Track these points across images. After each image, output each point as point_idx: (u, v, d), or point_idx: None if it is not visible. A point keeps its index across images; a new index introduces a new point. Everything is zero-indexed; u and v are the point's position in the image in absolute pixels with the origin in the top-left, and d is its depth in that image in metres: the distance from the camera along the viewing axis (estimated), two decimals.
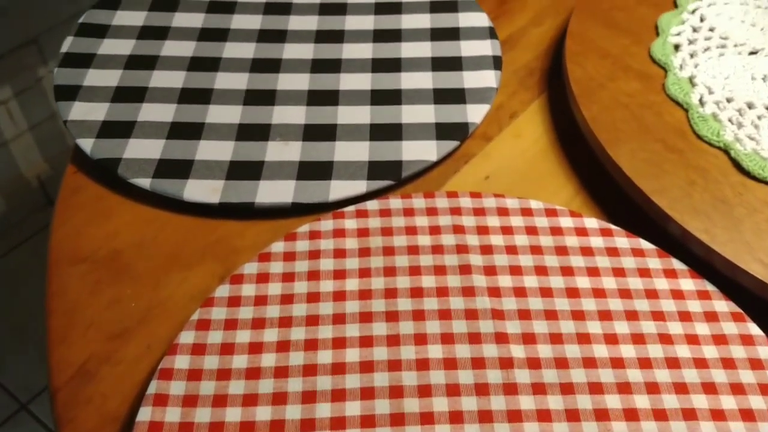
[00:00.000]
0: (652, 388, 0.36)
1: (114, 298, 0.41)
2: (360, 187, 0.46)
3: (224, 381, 0.36)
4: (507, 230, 0.43)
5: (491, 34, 0.58)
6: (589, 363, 0.37)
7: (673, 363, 0.37)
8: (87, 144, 0.48)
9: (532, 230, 0.43)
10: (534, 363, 0.37)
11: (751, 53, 0.52)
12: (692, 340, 0.38)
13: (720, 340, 0.38)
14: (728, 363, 0.37)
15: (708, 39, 0.53)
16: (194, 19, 0.58)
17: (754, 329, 0.38)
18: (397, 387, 0.36)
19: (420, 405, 0.35)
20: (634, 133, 0.47)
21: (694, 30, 0.54)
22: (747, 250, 0.40)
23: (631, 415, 0.35)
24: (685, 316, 0.39)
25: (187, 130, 0.49)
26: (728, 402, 0.36)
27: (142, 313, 0.40)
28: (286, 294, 0.39)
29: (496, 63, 0.55)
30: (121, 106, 0.51)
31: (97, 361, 0.38)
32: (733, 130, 0.46)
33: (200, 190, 0.45)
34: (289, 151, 0.48)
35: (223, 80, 0.53)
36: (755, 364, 0.37)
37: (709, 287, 0.40)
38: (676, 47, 0.52)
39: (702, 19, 0.55)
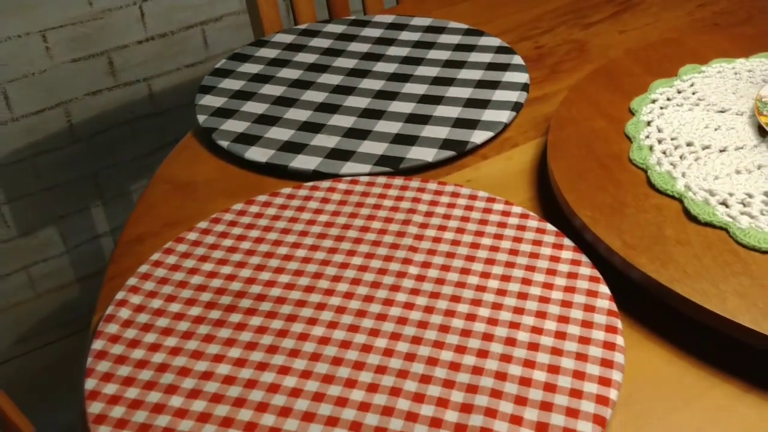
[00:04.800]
0: (497, 306, 0.48)
1: (176, 204, 0.61)
2: (365, 168, 0.62)
3: (173, 271, 0.53)
4: (451, 206, 0.57)
5: (524, 88, 0.72)
6: (461, 285, 0.49)
7: (522, 296, 0.48)
8: (201, 118, 0.70)
9: (469, 208, 0.56)
10: (420, 278, 0.50)
11: (719, 112, 0.61)
12: (547, 286, 0.49)
13: (570, 289, 0.49)
14: (566, 303, 0.48)
15: (686, 99, 0.63)
16: (309, 58, 0.80)
17: (602, 288, 0.49)
18: (310, 286, 0.51)
19: (316, 298, 0.50)
20: (577, 154, 0.58)
21: (679, 92, 0.64)
22: (616, 233, 0.50)
23: (471, 317, 0.47)
24: (551, 272, 0.50)
25: (268, 120, 0.69)
26: (550, 325, 0.46)
27: (185, 215, 0.59)
28: (251, 224, 0.56)
29: (516, 107, 0.69)
30: (234, 101, 0.72)
31: (148, 235, 0.58)
32: (659, 157, 0.56)
33: (257, 154, 0.64)
34: (329, 141, 0.66)
35: (309, 95, 0.73)
36: (589, 308, 0.47)
37: (584, 259, 0.51)
38: (654, 101, 0.63)
39: (691, 85, 0.65)
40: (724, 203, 0.51)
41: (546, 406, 0.41)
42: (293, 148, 0.65)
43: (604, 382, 0.42)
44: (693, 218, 0.51)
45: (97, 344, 0.46)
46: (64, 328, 1.48)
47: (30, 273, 1.41)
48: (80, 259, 1.48)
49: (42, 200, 1.38)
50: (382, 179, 0.60)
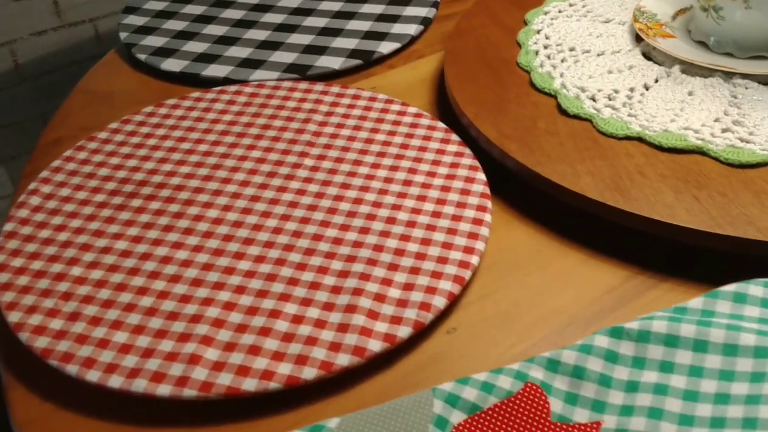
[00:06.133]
0: (383, 191, 0.52)
1: (93, 111, 0.64)
2: (274, 76, 0.66)
3: (83, 165, 0.57)
4: (351, 107, 0.61)
5: (434, 4, 0.76)
6: (352, 174, 0.53)
7: (407, 183, 0.52)
8: (124, 35, 0.72)
9: (368, 108, 0.60)
10: (315, 168, 0.54)
11: (604, 22, 0.65)
12: (431, 174, 0.53)
13: (450, 177, 0.53)
14: (446, 189, 0.52)
15: (576, 11, 0.67)
16: None
17: (479, 175, 0.53)
18: (208, 176, 0.55)
19: (214, 185, 0.54)
20: (471, 59, 0.62)
21: (571, 5, 0.68)
22: (496, 127, 0.55)
23: (358, 201, 0.51)
24: (436, 162, 0.54)
25: (186, 35, 0.72)
26: (428, 206, 0.50)
27: (100, 121, 0.63)
28: (158, 124, 0.59)
29: (425, 21, 0.73)
30: (156, 20, 0.75)
31: (65, 138, 0.61)
32: (543, 60, 0.60)
33: (172, 65, 0.67)
34: (243, 52, 0.69)
35: (228, 13, 0.76)
36: (465, 192, 0.51)
37: (467, 151, 0.55)
38: (546, 12, 0.67)
39: None
40: (593, 98, 0.55)
41: (414, 271, 0.46)
42: (207, 59, 0.68)
43: (468, 250, 0.47)
44: (564, 112, 0.55)
45: (8, 226, 0.50)
46: None
47: None
48: None
49: None
50: (287, 84, 0.64)
